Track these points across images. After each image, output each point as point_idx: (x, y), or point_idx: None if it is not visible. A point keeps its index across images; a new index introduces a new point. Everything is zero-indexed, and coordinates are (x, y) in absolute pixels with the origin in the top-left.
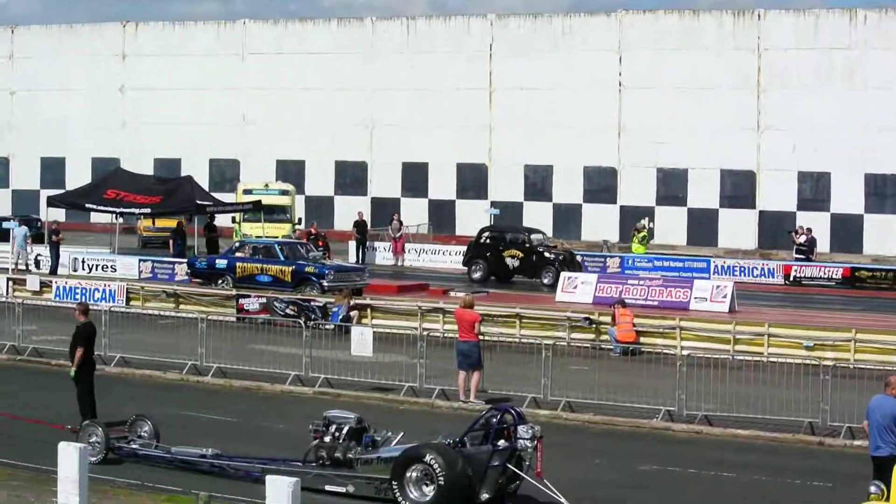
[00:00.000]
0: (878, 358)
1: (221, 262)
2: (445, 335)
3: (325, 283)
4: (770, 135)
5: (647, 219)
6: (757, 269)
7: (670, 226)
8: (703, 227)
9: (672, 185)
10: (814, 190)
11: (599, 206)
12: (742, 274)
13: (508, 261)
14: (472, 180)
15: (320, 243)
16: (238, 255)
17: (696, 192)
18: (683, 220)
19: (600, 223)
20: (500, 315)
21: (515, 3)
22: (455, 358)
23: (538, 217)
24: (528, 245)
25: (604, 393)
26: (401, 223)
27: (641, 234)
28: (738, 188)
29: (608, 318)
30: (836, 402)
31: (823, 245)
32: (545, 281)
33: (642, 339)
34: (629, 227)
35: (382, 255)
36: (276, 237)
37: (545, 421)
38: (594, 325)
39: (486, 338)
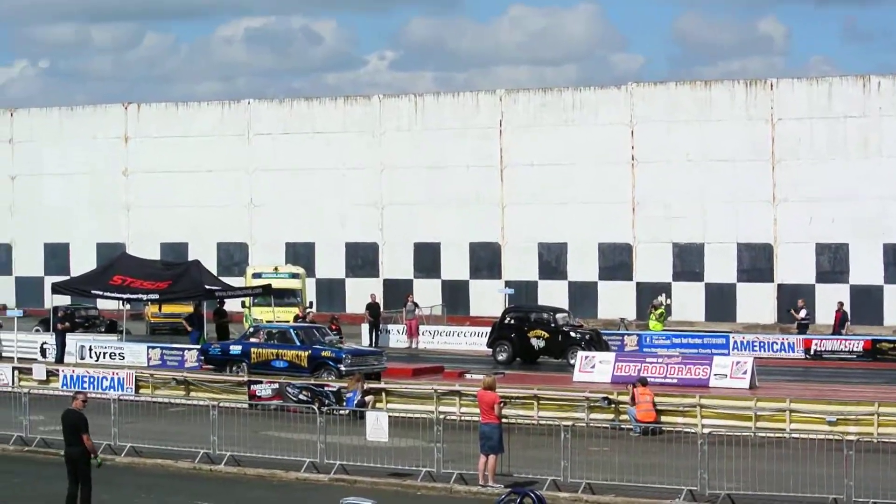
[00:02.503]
0: None
1: (236, 349)
2: (462, 418)
3: (342, 368)
4: (786, 206)
5: (663, 295)
6: (776, 343)
7: (688, 301)
8: (721, 302)
9: (688, 260)
10: (832, 261)
11: (615, 283)
12: (762, 349)
13: (534, 341)
14: (486, 259)
15: (333, 327)
16: (252, 340)
17: (713, 267)
18: (701, 296)
19: (617, 300)
20: (518, 396)
21: (523, 78)
22: (477, 441)
23: (553, 295)
24: (553, 325)
25: (625, 474)
26: (415, 304)
27: (659, 311)
28: (756, 261)
29: (627, 398)
30: (860, 477)
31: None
32: (571, 361)
33: (662, 418)
34: (646, 303)
35: (396, 337)
36: (287, 321)
37: None
38: (613, 405)
39: (504, 420)
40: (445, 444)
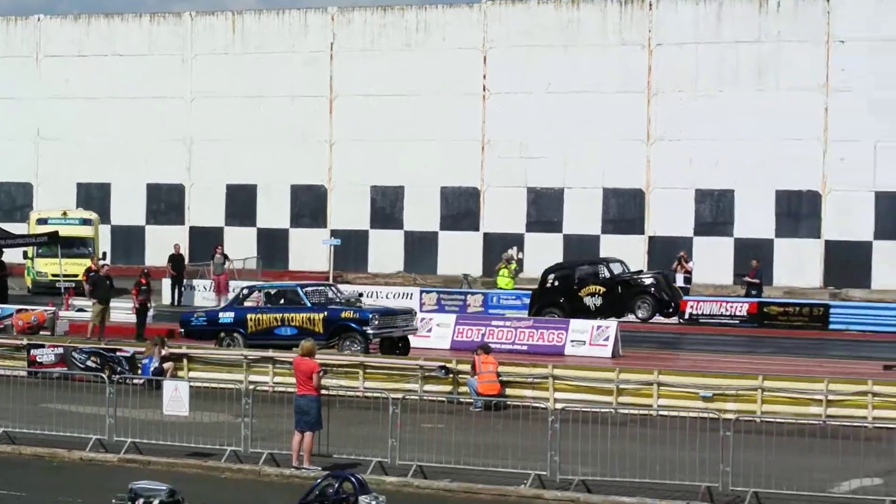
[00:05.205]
0: (790, 409)
1: (227, 315)
2: (275, 389)
3: (369, 332)
4: (662, 146)
5: (515, 248)
6: None
7: (543, 255)
8: (581, 257)
9: (545, 208)
10: (714, 211)
11: (459, 234)
12: None
13: (588, 300)
14: (309, 205)
15: (143, 281)
16: (248, 304)
17: (574, 216)
18: (559, 249)
19: (460, 254)
20: (341, 364)
21: None
22: (292, 416)
23: (386, 247)
24: (609, 277)
25: (462, 455)
26: (225, 256)
27: (513, 266)
28: (624, 210)
29: (468, 367)
30: (739, 462)
31: (725, 276)
32: (640, 314)
33: (509, 391)
34: (495, 257)
35: (203, 294)
36: (76, 275)
37: (393, 490)
38: (451, 376)
39: (324, 392)
40: (255, 419)
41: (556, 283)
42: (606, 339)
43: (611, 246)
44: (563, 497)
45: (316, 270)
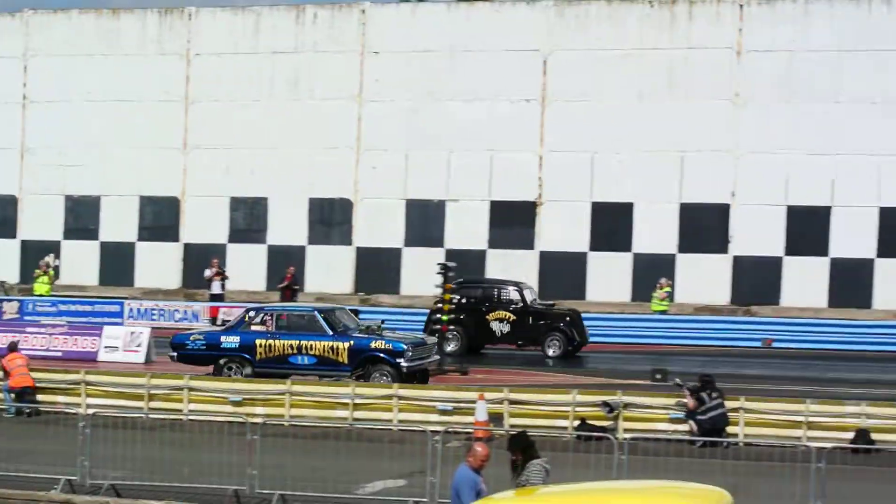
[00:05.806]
0: (317, 413)
1: (231, 341)
2: None
3: (403, 364)
4: (199, 155)
5: (52, 255)
6: (178, 312)
7: (81, 262)
8: (118, 264)
9: (83, 215)
10: (248, 218)
11: None
12: (162, 318)
13: (495, 325)
14: None
15: None
16: (255, 328)
17: (111, 223)
18: (96, 256)
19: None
20: None
21: None
22: None
23: None
24: (521, 304)
25: None
26: None
27: (50, 274)
28: (160, 218)
29: (1, 373)
30: (266, 465)
31: (259, 283)
32: (550, 352)
33: (41, 397)
34: (32, 264)
35: None
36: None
37: None
38: None
39: None
40: None
41: (463, 301)
42: (139, 344)
43: (146, 254)
44: (93, 501)
45: None
